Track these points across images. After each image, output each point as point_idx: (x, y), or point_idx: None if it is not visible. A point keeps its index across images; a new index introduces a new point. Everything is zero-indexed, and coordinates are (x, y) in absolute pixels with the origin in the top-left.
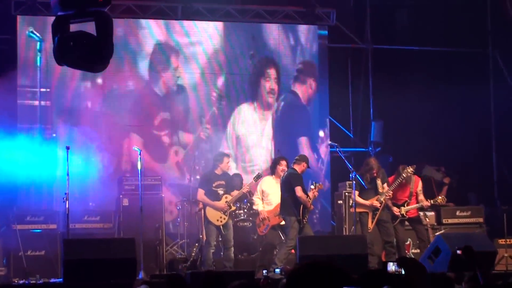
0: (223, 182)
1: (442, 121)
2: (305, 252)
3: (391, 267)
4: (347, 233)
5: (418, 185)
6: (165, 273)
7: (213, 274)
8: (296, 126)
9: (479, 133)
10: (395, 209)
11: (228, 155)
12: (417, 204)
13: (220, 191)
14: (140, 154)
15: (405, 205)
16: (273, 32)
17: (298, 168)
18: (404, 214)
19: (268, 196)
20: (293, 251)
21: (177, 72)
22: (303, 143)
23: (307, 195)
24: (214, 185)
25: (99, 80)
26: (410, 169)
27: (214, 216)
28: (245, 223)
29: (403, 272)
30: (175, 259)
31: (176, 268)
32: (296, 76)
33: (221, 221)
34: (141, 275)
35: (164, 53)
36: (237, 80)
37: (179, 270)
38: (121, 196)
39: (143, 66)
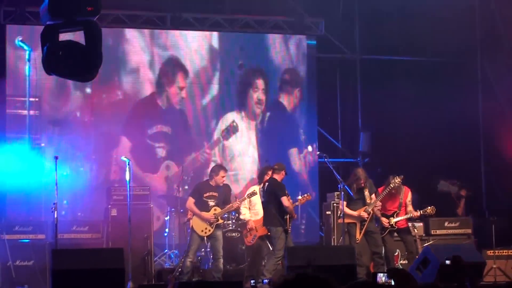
0: (215, 194)
1: (430, 131)
2: (293, 262)
3: (381, 278)
4: (335, 244)
5: (407, 195)
6: (153, 283)
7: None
8: (284, 136)
9: (467, 144)
10: (384, 219)
11: (225, 169)
12: (406, 215)
13: (211, 203)
14: (128, 165)
15: (395, 216)
16: (262, 42)
17: (278, 177)
18: (394, 225)
19: (256, 205)
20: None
21: (183, 91)
22: (294, 154)
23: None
24: (205, 195)
25: (88, 90)
26: (398, 179)
27: (199, 227)
28: (233, 234)
29: (393, 283)
30: (164, 269)
31: (164, 278)
32: (280, 86)
33: (205, 232)
34: (130, 285)
35: (174, 67)
36: (225, 90)
37: (167, 281)
38: (109, 206)
39: (144, 78)
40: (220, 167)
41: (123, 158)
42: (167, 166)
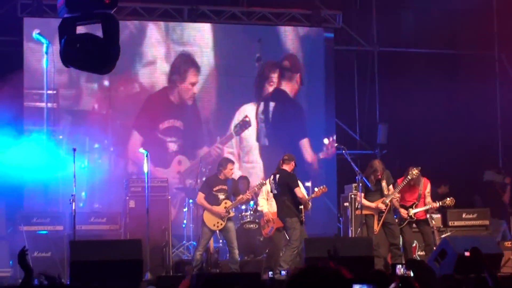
0: (224, 187)
1: (448, 123)
2: (311, 254)
3: (400, 269)
4: (353, 235)
5: (426, 187)
6: (171, 274)
7: (213, 278)
8: (293, 127)
9: (485, 135)
10: (403, 211)
11: (232, 162)
12: (425, 206)
13: (221, 196)
14: (146, 157)
15: (413, 207)
16: (279, 35)
17: (288, 167)
18: (412, 216)
19: (272, 197)
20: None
21: (195, 87)
22: (305, 145)
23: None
24: (215, 189)
25: (106, 82)
26: (415, 171)
27: (211, 221)
28: (251, 225)
29: (411, 274)
30: (181, 261)
31: (182, 270)
32: (282, 73)
33: (217, 226)
34: (148, 276)
35: (185, 63)
36: (243, 82)
37: (185, 272)
38: (127, 198)
39: (160, 71)
40: (227, 160)
41: (141, 150)
42: (179, 161)
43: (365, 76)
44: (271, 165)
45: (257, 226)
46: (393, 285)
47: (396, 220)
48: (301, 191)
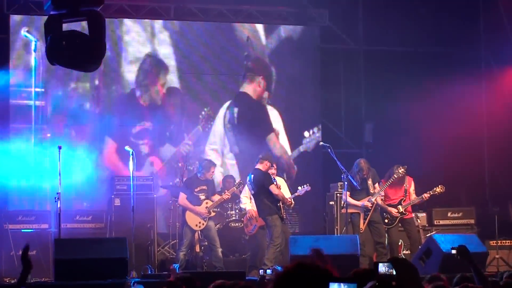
0: (205, 187)
1: (434, 122)
2: (296, 252)
3: (383, 267)
4: (338, 234)
5: (411, 185)
6: (156, 273)
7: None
8: (259, 129)
9: (471, 134)
10: (392, 210)
11: (215, 165)
12: (416, 197)
13: (202, 196)
14: (132, 155)
15: (402, 203)
16: (265, 33)
17: (262, 167)
18: (404, 211)
19: None
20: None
21: (164, 87)
22: (273, 139)
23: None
24: (196, 189)
25: (96, 81)
26: (401, 169)
27: (193, 221)
28: (237, 224)
29: (394, 273)
30: (167, 259)
31: (167, 268)
32: (244, 74)
33: (199, 226)
34: (133, 274)
35: (154, 66)
36: (226, 80)
37: (170, 270)
38: (113, 196)
39: (130, 72)
40: (211, 163)
41: (127, 148)
42: (151, 162)
43: (351, 75)
44: (246, 169)
45: (242, 225)
46: (369, 284)
47: (386, 220)
48: (275, 188)
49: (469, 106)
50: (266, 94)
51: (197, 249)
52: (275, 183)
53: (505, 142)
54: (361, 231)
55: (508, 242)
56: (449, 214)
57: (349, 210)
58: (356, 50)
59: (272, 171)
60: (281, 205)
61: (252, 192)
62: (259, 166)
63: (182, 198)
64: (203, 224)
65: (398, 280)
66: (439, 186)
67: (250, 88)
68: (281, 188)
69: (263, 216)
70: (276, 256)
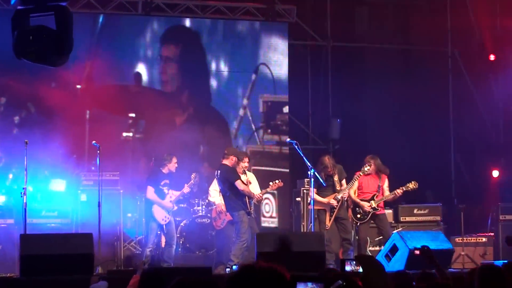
0: (167, 181)
1: (401, 118)
2: (263, 249)
3: (349, 265)
4: (305, 230)
5: (384, 181)
6: (122, 269)
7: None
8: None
9: (437, 131)
10: (364, 204)
11: (175, 156)
12: (389, 193)
13: (166, 190)
14: (99, 149)
15: (374, 198)
16: (233, 29)
17: (228, 162)
18: (376, 207)
19: None
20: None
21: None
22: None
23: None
24: (161, 183)
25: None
26: (367, 167)
27: (160, 215)
28: (204, 220)
29: (360, 270)
30: (133, 255)
31: (133, 264)
32: None
33: (165, 221)
34: (98, 270)
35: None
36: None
37: (136, 267)
38: (79, 191)
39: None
40: (171, 155)
41: (94, 142)
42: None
43: (318, 71)
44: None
45: (209, 221)
46: (336, 283)
47: (359, 216)
48: (241, 183)
49: (436, 103)
50: None
51: (163, 244)
52: (246, 177)
53: (471, 140)
54: (327, 228)
55: (473, 239)
56: (415, 211)
57: (316, 207)
58: (324, 46)
59: (245, 164)
60: (248, 201)
61: (219, 187)
62: (225, 161)
63: (151, 191)
64: (168, 218)
65: (364, 277)
66: (412, 182)
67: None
68: (252, 183)
69: (230, 212)
70: (242, 252)
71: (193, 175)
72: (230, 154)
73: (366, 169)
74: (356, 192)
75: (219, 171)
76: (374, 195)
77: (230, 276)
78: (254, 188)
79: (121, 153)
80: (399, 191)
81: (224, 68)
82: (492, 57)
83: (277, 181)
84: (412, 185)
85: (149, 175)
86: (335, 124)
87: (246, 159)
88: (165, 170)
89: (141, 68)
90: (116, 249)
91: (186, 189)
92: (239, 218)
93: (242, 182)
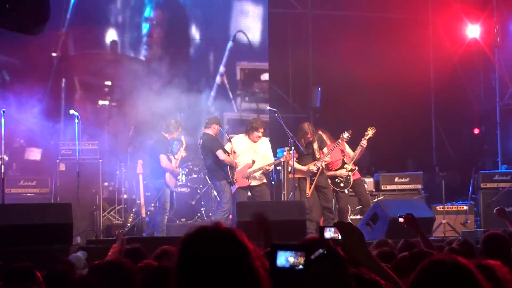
0: (169, 147)
1: (381, 86)
2: (242, 217)
3: (328, 232)
4: (285, 199)
5: (344, 145)
6: (101, 238)
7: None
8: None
9: (418, 99)
10: (340, 172)
11: (181, 124)
12: (355, 151)
13: (171, 157)
14: (77, 118)
15: (345, 161)
16: None
17: (211, 131)
18: (353, 168)
19: (239, 156)
20: (230, 216)
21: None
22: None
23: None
24: (168, 151)
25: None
26: (346, 134)
27: (173, 182)
28: (183, 189)
29: (339, 237)
30: (112, 224)
31: (113, 233)
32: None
33: (176, 187)
34: (78, 240)
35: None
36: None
37: (116, 236)
38: (57, 161)
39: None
40: (178, 122)
41: (72, 111)
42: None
43: (299, 39)
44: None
45: (189, 190)
46: (317, 252)
47: (342, 185)
48: (222, 152)
49: (416, 71)
50: None
51: (143, 213)
52: (230, 146)
53: (452, 108)
54: (308, 196)
55: (454, 208)
56: (396, 179)
57: (296, 175)
58: (304, 14)
59: (259, 134)
60: (230, 170)
61: (202, 157)
62: (207, 130)
63: (165, 159)
64: (177, 185)
65: (344, 245)
66: (369, 128)
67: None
68: (261, 152)
69: (212, 181)
70: (223, 222)
71: (183, 137)
72: (212, 123)
73: (345, 135)
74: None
75: (201, 140)
76: (342, 160)
77: (184, 237)
78: (267, 157)
79: (97, 122)
80: (362, 143)
81: (201, 35)
82: (472, 25)
83: (285, 153)
84: (371, 131)
85: (157, 144)
86: (315, 92)
87: (261, 130)
88: (168, 136)
89: (116, 35)
90: (95, 219)
91: (183, 153)
92: (221, 187)
93: (224, 151)
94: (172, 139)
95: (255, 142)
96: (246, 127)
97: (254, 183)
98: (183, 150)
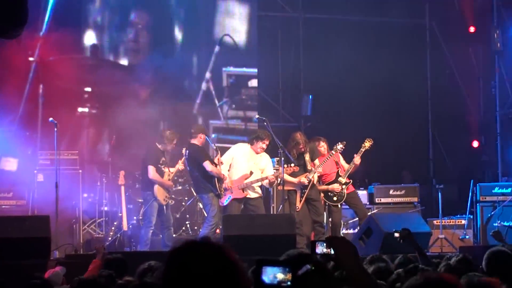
0: (165, 159)
1: (376, 94)
2: (229, 232)
3: (320, 247)
4: (274, 212)
5: (339, 157)
6: (81, 253)
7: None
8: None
9: (415, 107)
10: (334, 186)
11: (176, 135)
12: (349, 164)
13: (164, 169)
14: (56, 127)
15: (340, 174)
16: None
17: (197, 141)
18: (347, 181)
19: (237, 164)
20: (218, 230)
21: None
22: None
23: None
24: (160, 162)
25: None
26: (340, 145)
27: (162, 195)
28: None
29: (332, 252)
30: (92, 238)
31: (93, 248)
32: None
33: (166, 200)
34: (56, 255)
35: None
36: None
37: (96, 250)
38: (35, 171)
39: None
40: (173, 135)
41: (51, 119)
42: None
43: (289, 44)
44: None
45: (173, 202)
46: (304, 268)
47: (335, 198)
48: (209, 164)
49: (413, 79)
50: None
51: (125, 227)
52: (218, 156)
53: (450, 116)
54: (298, 210)
55: (452, 222)
56: (391, 192)
57: (286, 187)
58: (295, 18)
59: (263, 146)
60: (216, 182)
61: (188, 168)
62: (193, 140)
63: (153, 171)
64: (168, 198)
65: (337, 260)
66: (366, 139)
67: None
68: (259, 165)
69: (199, 194)
70: (211, 237)
71: (184, 150)
72: (197, 132)
73: (339, 147)
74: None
75: (187, 151)
76: (337, 173)
77: (171, 251)
78: (267, 172)
79: (77, 130)
80: (357, 157)
81: (185, 38)
82: (472, 29)
83: (291, 165)
84: (368, 143)
85: (148, 154)
86: (307, 100)
87: (267, 141)
88: (161, 147)
89: (96, 39)
90: (74, 232)
91: (181, 166)
92: (208, 200)
93: (212, 162)
94: (165, 150)
95: (258, 153)
96: (251, 136)
97: (251, 195)
98: (181, 163)
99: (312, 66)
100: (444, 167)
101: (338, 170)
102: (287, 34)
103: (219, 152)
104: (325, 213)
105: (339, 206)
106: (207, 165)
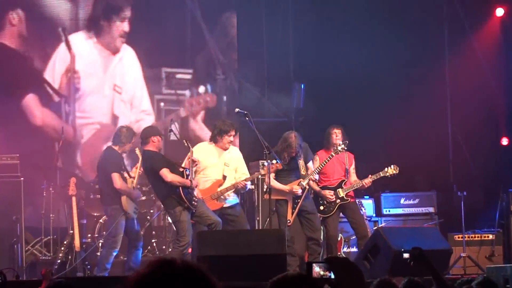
0: (122, 163)
1: (382, 83)
2: (205, 252)
3: (318, 269)
4: (260, 227)
5: (352, 163)
6: (24, 279)
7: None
8: None
9: (429, 98)
10: (327, 193)
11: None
12: (358, 180)
13: (125, 175)
14: None
15: (342, 186)
16: None
17: (151, 146)
18: (344, 197)
19: (205, 170)
20: (190, 250)
21: None
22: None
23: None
24: (122, 167)
25: None
26: (341, 146)
27: (131, 207)
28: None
29: (332, 276)
30: (38, 261)
31: (38, 272)
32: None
33: (136, 213)
34: None
35: None
36: None
37: (42, 276)
38: None
39: None
40: (131, 131)
41: None
42: None
43: (276, 23)
44: None
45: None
46: None
47: (322, 208)
48: (168, 172)
49: (427, 63)
50: None
51: (77, 247)
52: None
53: (473, 110)
54: (289, 224)
55: (477, 237)
56: (402, 201)
57: (274, 197)
58: None
59: (230, 138)
60: (182, 192)
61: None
62: (147, 147)
63: (119, 179)
64: (137, 209)
65: (338, 285)
66: (392, 166)
67: None
68: (232, 165)
69: (166, 210)
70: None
71: (137, 151)
72: (148, 136)
73: (339, 148)
74: (319, 179)
75: (142, 161)
76: (342, 181)
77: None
78: (241, 170)
79: (18, 129)
80: (368, 181)
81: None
82: (501, 11)
83: (276, 163)
84: (391, 170)
85: (108, 159)
86: (298, 89)
87: (233, 132)
88: (120, 150)
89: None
90: (15, 254)
91: (140, 170)
92: (175, 216)
93: (171, 169)
94: (123, 152)
95: (226, 149)
96: (212, 133)
97: (226, 203)
98: (139, 166)
99: (304, 49)
100: (467, 170)
101: (343, 181)
102: (272, 8)
103: (191, 148)
104: (322, 228)
105: (333, 216)
106: (165, 173)
